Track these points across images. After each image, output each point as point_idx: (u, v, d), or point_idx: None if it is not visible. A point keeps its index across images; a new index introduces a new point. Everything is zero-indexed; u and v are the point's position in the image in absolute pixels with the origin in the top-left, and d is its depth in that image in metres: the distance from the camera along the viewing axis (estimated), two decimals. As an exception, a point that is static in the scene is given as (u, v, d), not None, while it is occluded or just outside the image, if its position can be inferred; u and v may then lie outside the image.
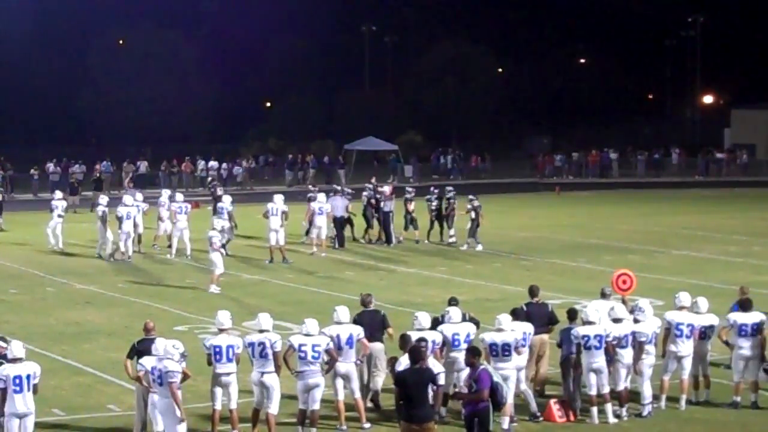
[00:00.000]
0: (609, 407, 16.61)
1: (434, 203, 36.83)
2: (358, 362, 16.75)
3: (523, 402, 16.75)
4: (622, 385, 16.81)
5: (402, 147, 68.58)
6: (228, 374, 15.66)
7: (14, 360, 14.31)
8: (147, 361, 15.06)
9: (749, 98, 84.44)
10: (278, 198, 32.86)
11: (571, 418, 16.71)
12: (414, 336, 15.70)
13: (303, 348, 15.70)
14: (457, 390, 15.54)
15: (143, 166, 61.85)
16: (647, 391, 16.89)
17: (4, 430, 14.30)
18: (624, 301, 18.61)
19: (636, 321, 17.03)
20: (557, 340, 17.41)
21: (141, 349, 15.63)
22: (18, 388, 14.16)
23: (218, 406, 15.73)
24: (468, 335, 16.79)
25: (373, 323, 17.28)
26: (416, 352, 14.17)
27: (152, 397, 15.00)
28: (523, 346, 16.64)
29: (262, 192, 54.24)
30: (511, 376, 16.15)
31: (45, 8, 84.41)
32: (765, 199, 53.96)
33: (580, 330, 16.69)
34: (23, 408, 14.21)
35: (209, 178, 54.48)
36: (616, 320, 16.87)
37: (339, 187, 39.23)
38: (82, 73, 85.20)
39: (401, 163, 65.85)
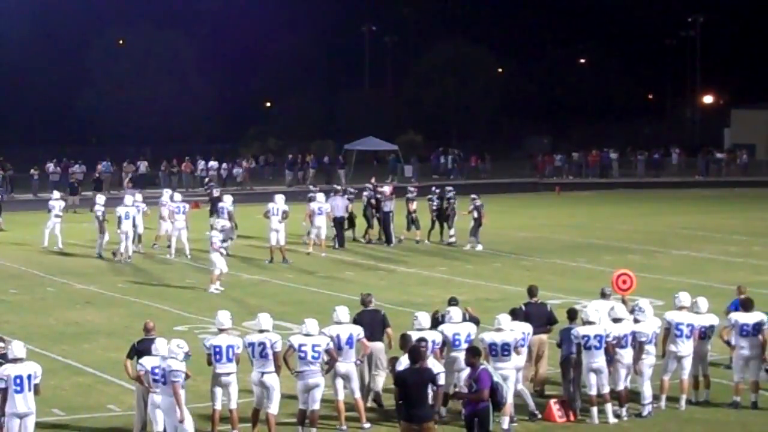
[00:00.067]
0: (609, 407, 16.62)
1: (435, 203, 36.85)
2: (358, 362, 16.75)
3: (522, 402, 16.75)
4: (622, 385, 16.81)
5: (402, 147, 68.57)
6: (228, 374, 15.66)
7: (15, 360, 14.33)
8: (147, 361, 15.07)
9: (749, 98, 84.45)
10: (279, 198, 32.86)
11: (571, 418, 16.71)
12: (414, 336, 15.70)
13: (303, 348, 15.70)
14: (457, 390, 15.54)
15: (143, 166, 61.83)
16: (647, 391, 16.89)
17: (4, 430, 14.30)
18: (624, 301, 18.61)
19: (636, 321, 17.04)
20: (557, 340, 17.42)
21: (141, 349, 15.63)
22: (19, 388, 14.18)
23: (218, 406, 15.73)
24: (468, 335, 16.80)
25: (373, 323, 17.29)
26: (416, 352, 14.18)
27: (152, 397, 15.01)
28: (522, 346, 16.65)
29: (262, 192, 54.27)
30: (511, 376, 16.17)
31: (45, 8, 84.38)
32: (765, 199, 53.96)
33: (580, 330, 16.70)
34: (24, 408, 14.23)
35: (206, 179, 54.45)
36: (616, 320, 16.88)
37: (339, 187, 39.24)
38: (82, 73, 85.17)
39: (401, 163, 65.85)
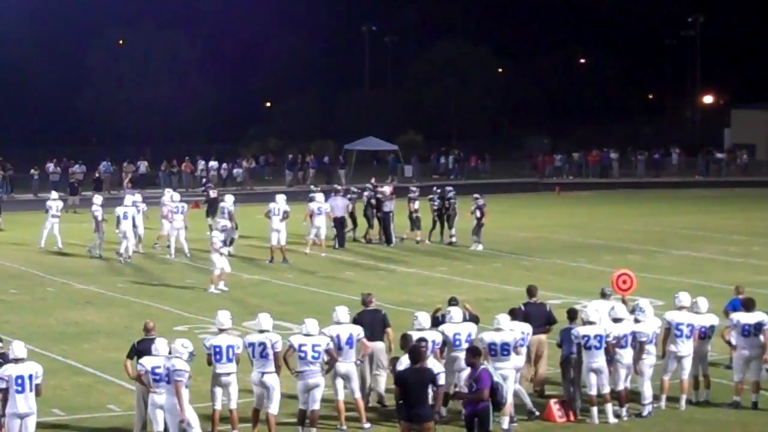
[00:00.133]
0: (609, 407, 16.62)
1: (436, 203, 36.88)
2: (358, 362, 16.75)
3: (520, 402, 16.75)
4: (622, 385, 16.81)
5: (402, 147, 68.58)
6: (228, 374, 15.66)
7: (16, 360, 14.34)
8: (147, 361, 15.06)
9: (749, 98, 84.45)
10: (280, 198, 32.85)
11: (571, 418, 16.71)
12: (414, 336, 15.70)
13: (303, 348, 15.70)
14: (457, 390, 15.55)
15: (143, 166, 61.84)
16: (647, 391, 16.89)
17: (4, 430, 14.31)
18: (624, 301, 18.61)
19: (637, 321, 17.03)
20: (557, 340, 17.42)
21: (141, 349, 15.63)
22: (20, 388, 14.20)
23: (218, 406, 15.73)
24: (469, 335, 16.80)
25: (373, 323, 17.29)
26: (416, 352, 14.18)
27: (152, 397, 15.00)
28: (522, 346, 16.66)
29: (262, 192, 54.29)
30: (510, 376, 16.17)
31: (45, 8, 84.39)
32: (765, 199, 53.97)
33: (580, 330, 16.70)
34: (25, 408, 14.24)
35: (203, 179, 54.40)
36: (617, 320, 16.88)
37: (340, 187, 39.24)
38: (83, 73, 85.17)
39: (401, 163, 65.87)
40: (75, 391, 18.46)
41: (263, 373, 15.61)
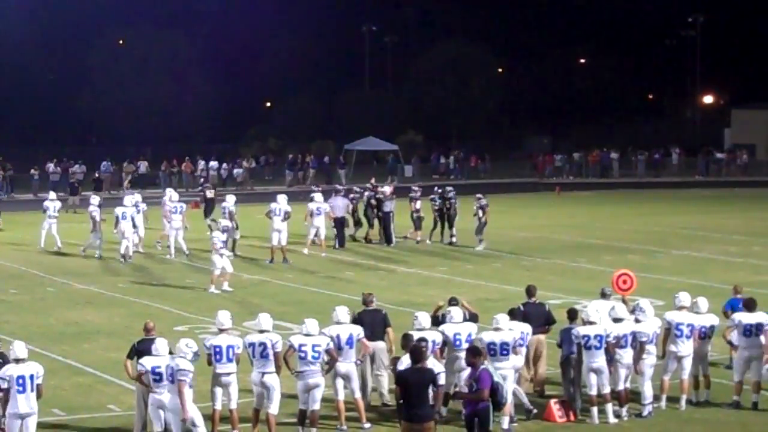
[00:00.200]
0: (609, 407, 16.62)
1: (437, 203, 36.90)
2: (359, 362, 16.76)
3: (518, 401, 16.75)
4: (622, 385, 16.81)
5: (402, 147, 68.58)
6: (228, 374, 15.66)
7: (17, 360, 14.34)
8: (147, 361, 15.06)
9: (749, 98, 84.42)
10: (282, 198, 32.85)
11: (572, 418, 16.72)
12: (415, 336, 15.70)
13: (303, 348, 15.71)
14: (457, 390, 15.55)
15: (143, 166, 61.85)
16: (648, 391, 16.89)
17: (5, 430, 14.32)
18: (624, 301, 18.62)
19: (637, 321, 17.03)
20: (557, 340, 17.42)
21: (141, 350, 15.63)
22: (21, 388, 14.21)
23: (218, 406, 15.74)
24: (469, 335, 16.80)
25: (374, 322, 17.30)
26: (417, 352, 14.18)
27: (152, 397, 15.00)
28: (522, 345, 16.67)
29: (263, 192, 54.29)
30: (509, 375, 16.16)
31: (45, 8, 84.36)
32: (765, 199, 53.97)
33: (580, 330, 16.71)
34: (26, 408, 14.25)
35: (201, 179, 54.39)
36: (617, 320, 16.88)
37: (340, 187, 39.24)
38: (82, 73, 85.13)
39: (401, 163, 65.85)
40: (75, 391, 18.46)
41: (263, 373, 15.61)
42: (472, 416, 14.07)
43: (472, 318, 17.37)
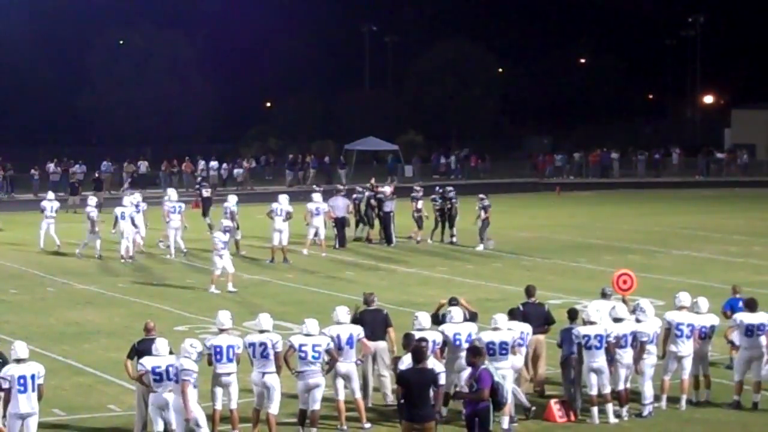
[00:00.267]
0: (610, 407, 16.62)
1: (438, 203, 36.93)
2: (359, 362, 16.76)
3: (517, 401, 16.75)
4: (623, 385, 16.81)
5: (402, 147, 68.56)
6: (228, 374, 15.66)
7: (18, 360, 14.35)
8: (147, 361, 15.06)
9: (749, 98, 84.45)
10: (283, 198, 32.85)
11: (572, 418, 16.72)
12: (415, 336, 15.71)
13: (303, 348, 15.71)
14: (458, 390, 15.55)
15: (144, 166, 61.88)
16: (648, 391, 16.89)
17: (6, 430, 14.32)
18: (625, 301, 18.62)
19: (637, 321, 17.03)
20: (558, 340, 17.42)
21: (141, 350, 15.62)
22: (22, 388, 14.23)
23: (218, 406, 15.74)
24: (469, 335, 16.79)
25: (374, 322, 17.30)
26: (418, 352, 14.18)
27: (152, 397, 15.00)
28: (521, 345, 16.67)
29: (263, 192, 54.30)
30: (509, 375, 16.16)
31: (45, 8, 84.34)
32: (765, 199, 53.98)
33: (580, 330, 16.71)
34: (27, 408, 14.26)
35: (198, 179, 54.35)
36: (617, 320, 16.88)
37: (341, 187, 39.25)
38: (82, 73, 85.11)
39: (401, 163, 65.84)
40: (75, 391, 18.47)
41: (264, 373, 15.61)
42: (473, 416, 14.07)
43: (472, 317, 17.37)
